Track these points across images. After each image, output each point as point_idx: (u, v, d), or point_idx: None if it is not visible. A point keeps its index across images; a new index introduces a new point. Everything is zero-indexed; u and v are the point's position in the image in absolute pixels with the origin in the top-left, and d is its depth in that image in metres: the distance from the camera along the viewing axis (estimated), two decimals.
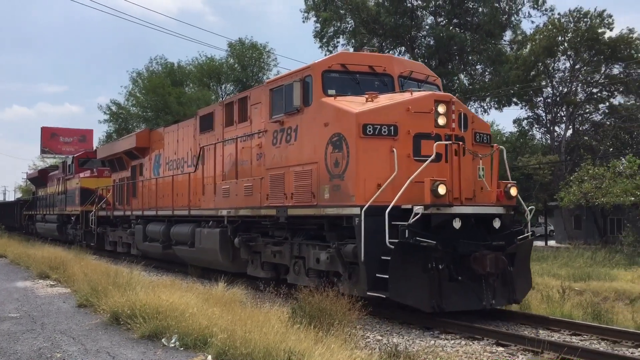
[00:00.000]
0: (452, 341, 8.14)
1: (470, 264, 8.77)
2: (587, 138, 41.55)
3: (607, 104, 40.50)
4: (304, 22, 37.39)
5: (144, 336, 7.46)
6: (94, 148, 37.79)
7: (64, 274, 13.79)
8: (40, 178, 36.12)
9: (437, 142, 9.18)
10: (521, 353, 7.24)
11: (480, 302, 8.88)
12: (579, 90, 40.37)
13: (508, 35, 37.48)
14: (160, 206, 17.50)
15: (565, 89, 40.25)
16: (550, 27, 37.98)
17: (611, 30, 37.61)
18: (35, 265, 15.86)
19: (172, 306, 7.91)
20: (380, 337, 8.36)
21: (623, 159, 32.41)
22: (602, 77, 39.45)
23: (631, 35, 37.27)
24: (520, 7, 35.69)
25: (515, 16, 35.98)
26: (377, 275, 8.72)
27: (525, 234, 9.80)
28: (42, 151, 63.21)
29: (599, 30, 37.39)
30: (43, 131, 63.56)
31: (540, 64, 39.31)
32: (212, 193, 14.26)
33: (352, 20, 35.84)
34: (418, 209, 8.61)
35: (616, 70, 39.16)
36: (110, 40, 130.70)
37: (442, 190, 8.72)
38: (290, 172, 10.87)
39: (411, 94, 9.77)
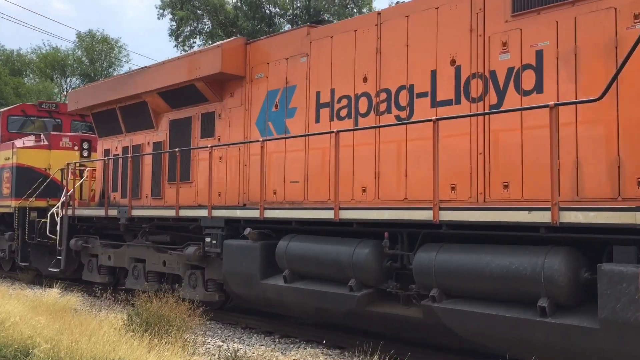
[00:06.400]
0: (292, 345, 8.27)
1: None
2: None
3: None
4: (159, 19, 36.30)
5: None
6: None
7: None
8: None
9: None
10: (354, 355, 7.52)
11: None
12: None
13: None
14: (348, 200, 8.11)
15: None
16: None
17: None
18: None
19: None
20: (221, 343, 8.29)
21: None
22: None
23: None
24: None
25: None
26: None
27: None
28: None
29: None
30: None
31: None
32: None
33: (209, 22, 35.43)
34: None
35: None
36: None
37: None
38: None
39: None
